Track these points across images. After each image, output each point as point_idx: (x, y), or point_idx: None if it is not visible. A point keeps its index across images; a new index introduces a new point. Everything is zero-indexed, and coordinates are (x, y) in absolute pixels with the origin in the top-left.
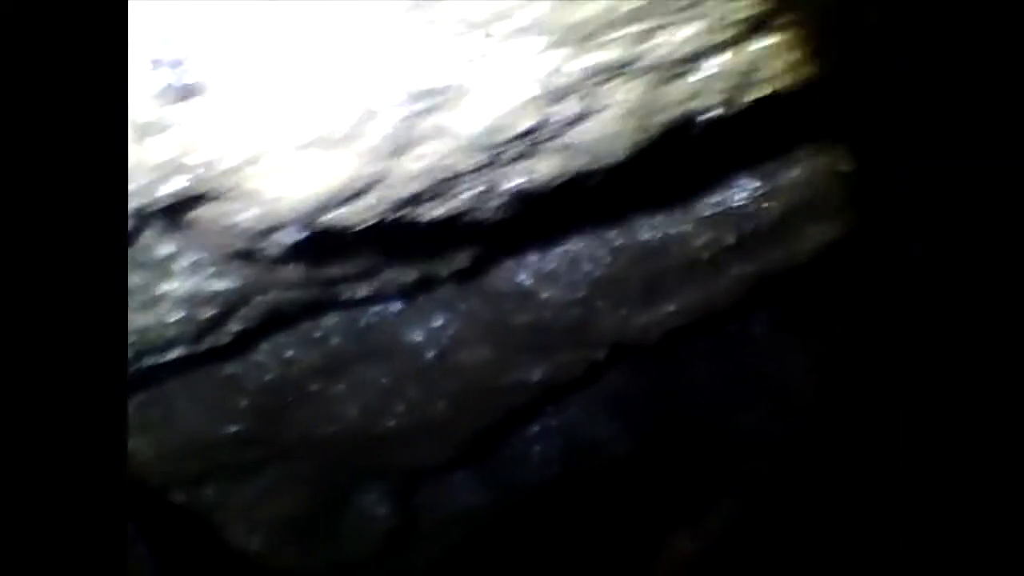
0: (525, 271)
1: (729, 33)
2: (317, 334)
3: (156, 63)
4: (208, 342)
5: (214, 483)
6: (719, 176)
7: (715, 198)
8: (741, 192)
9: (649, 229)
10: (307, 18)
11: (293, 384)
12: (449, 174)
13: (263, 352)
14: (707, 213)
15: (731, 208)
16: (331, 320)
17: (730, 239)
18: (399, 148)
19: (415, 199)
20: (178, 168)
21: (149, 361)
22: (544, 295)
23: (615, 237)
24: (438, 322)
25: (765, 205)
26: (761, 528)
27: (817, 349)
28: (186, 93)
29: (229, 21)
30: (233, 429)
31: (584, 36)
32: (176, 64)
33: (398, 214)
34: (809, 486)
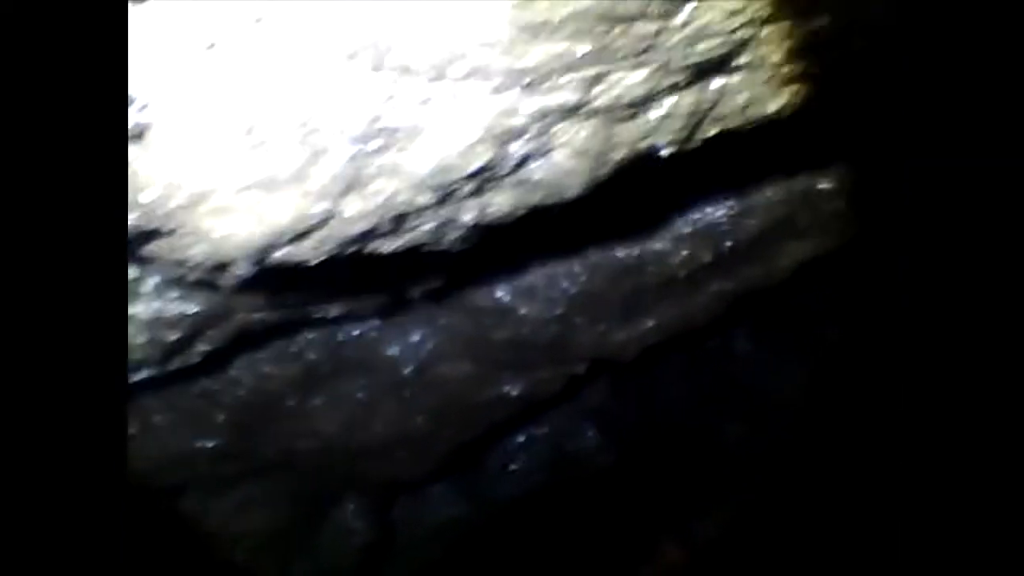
0: (502, 289)
1: (683, 76)
2: (293, 349)
3: None
4: (176, 363)
5: (193, 496)
6: (691, 199)
7: (690, 219)
8: (716, 212)
9: (624, 248)
10: (256, 63)
11: (270, 399)
12: (403, 210)
13: (238, 368)
14: (684, 231)
15: (707, 227)
16: (306, 336)
17: (707, 257)
18: (348, 187)
19: (367, 235)
20: (131, 205)
21: None
22: (523, 311)
23: (591, 256)
24: (416, 337)
25: (742, 224)
26: (749, 535)
27: (799, 361)
28: (136, 132)
29: (178, 63)
30: (210, 443)
31: (535, 80)
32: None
33: (351, 249)
34: (794, 494)
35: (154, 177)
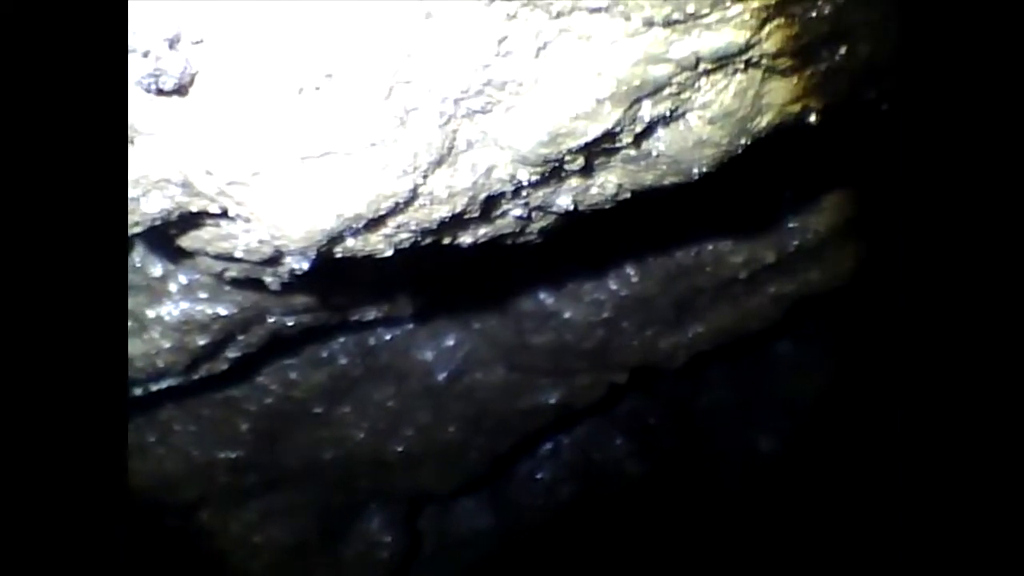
0: (545, 290)
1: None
2: (323, 355)
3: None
4: (203, 370)
5: (211, 508)
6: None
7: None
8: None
9: (682, 247)
10: (331, 6)
11: (296, 407)
12: (498, 190)
13: (265, 374)
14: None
15: (772, 226)
16: (339, 341)
17: (770, 258)
18: (439, 159)
19: (450, 223)
20: (165, 181)
21: (139, 390)
22: (567, 315)
23: (646, 255)
24: (450, 342)
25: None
26: (779, 550)
27: (839, 370)
28: (176, 87)
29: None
30: (232, 454)
31: (692, 14)
32: (167, 45)
33: (427, 240)
34: (826, 508)
35: (197, 144)
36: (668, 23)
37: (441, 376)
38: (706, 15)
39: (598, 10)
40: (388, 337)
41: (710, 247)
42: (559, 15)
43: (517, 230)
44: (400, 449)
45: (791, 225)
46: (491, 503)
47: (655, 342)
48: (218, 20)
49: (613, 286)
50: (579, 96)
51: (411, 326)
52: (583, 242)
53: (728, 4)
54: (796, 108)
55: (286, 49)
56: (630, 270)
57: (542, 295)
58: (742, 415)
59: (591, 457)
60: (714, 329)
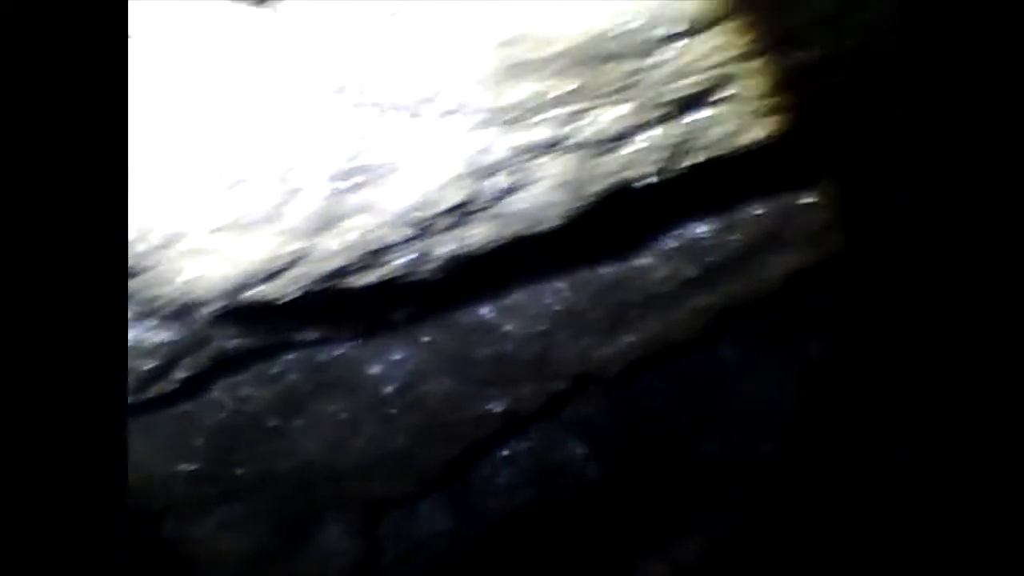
0: (485, 307)
1: (665, 110)
2: (273, 371)
3: None
4: (154, 390)
5: (171, 520)
6: (676, 218)
7: (674, 235)
8: (700, 229)
9: (609, 265)
10: (234, 100)
11: (250, 421)
12: (378, 246)
13: (218, 391)
14: (669, 247)
15: (691, 243)
16: (286, 359)
17: (691, 272)
18: (323, 225)
19: (341, 272)
20: None
21: None
22: (506, 328)
23: (576, 273)
24: (397, 356)
25: (726, 239)
26: (737, 551)
27: (785, 372)
28: None
29: (153, 102)
30: (190, 467)
31: (511, 119)
32: None
33: (323, 285)
34: (782, 507)
35: (137, 213)
36: (501, 123)
37: (389, 389)
38: (528, 118)
39: (448, 113)
40: (336, 353)
41: (635, 264)
42: (415, 116)
43: (407, 273)
44: (353, 459)
45: (710, 243)
46: (451, 508)
47: (590, 352)
48: (137, 124)
49: (548, 301)
50: (439, 173)
51: (358, 342)
52: (514, 267)
53: (549, 110)
54: (626, 175)
55: (193, 145)
56: (562, 286)
57: (483, 310)
58: (689, 419)
59: (548, 462)
60: (645, 339)
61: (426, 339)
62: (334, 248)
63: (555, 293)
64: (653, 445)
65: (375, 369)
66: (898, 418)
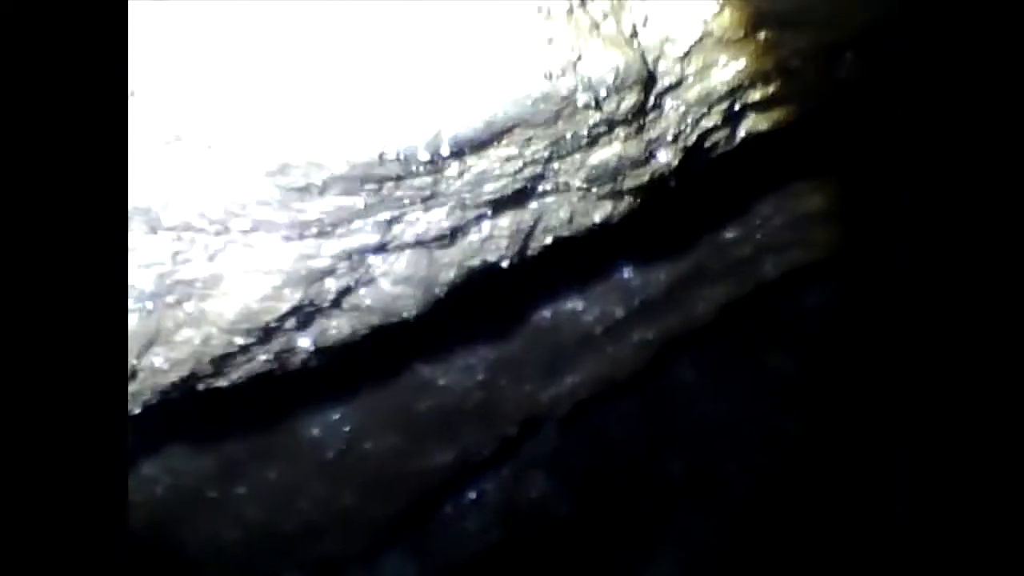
0: (421, 362)
1: (486, 208)
2: (206, 443)
3: None
4: None
5: None
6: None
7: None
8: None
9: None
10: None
11: (189, 494)
12: (222, 352)
13: (149, 465)
14: (598, 289)
15: (618, 283)
16: (218, 429)
17: (620, 312)
18: (151, 340)
19: (191, 379)
20: None
21: None
22: (442, 382)
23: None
24: (335, 416)
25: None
26: (714, 567)
27: (741, 392)
28: None
29: None
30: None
31: (326, 228)
32: None
33: (176, 393)
34: (758, 519)
35: None
36: (315, 235)
37: (331, 450)
38: (338, 230)
39: (253, 229)
40: (271, 420)
41: (563, 308)
42: (219, 233)
43: (277, 367)
44: (300, 522)
45: (635, 283)
46: (413, 556)
47: (535, 395)
48: None
49: (483, 351)
50: (260, 285)
51: (294, 408)
52: (444, 317)
53: (352, 222)
54: (476, 262)
55: None
56: (496, 335)
57: (418, 366)
58: (652, 443)
59: (514, 501)
60: (590, 379)
61: (363, 397)
62: (171, 361)
63: (489, 342)
64: (617, 473)
65: (313, 431)
66: (898, 418)
